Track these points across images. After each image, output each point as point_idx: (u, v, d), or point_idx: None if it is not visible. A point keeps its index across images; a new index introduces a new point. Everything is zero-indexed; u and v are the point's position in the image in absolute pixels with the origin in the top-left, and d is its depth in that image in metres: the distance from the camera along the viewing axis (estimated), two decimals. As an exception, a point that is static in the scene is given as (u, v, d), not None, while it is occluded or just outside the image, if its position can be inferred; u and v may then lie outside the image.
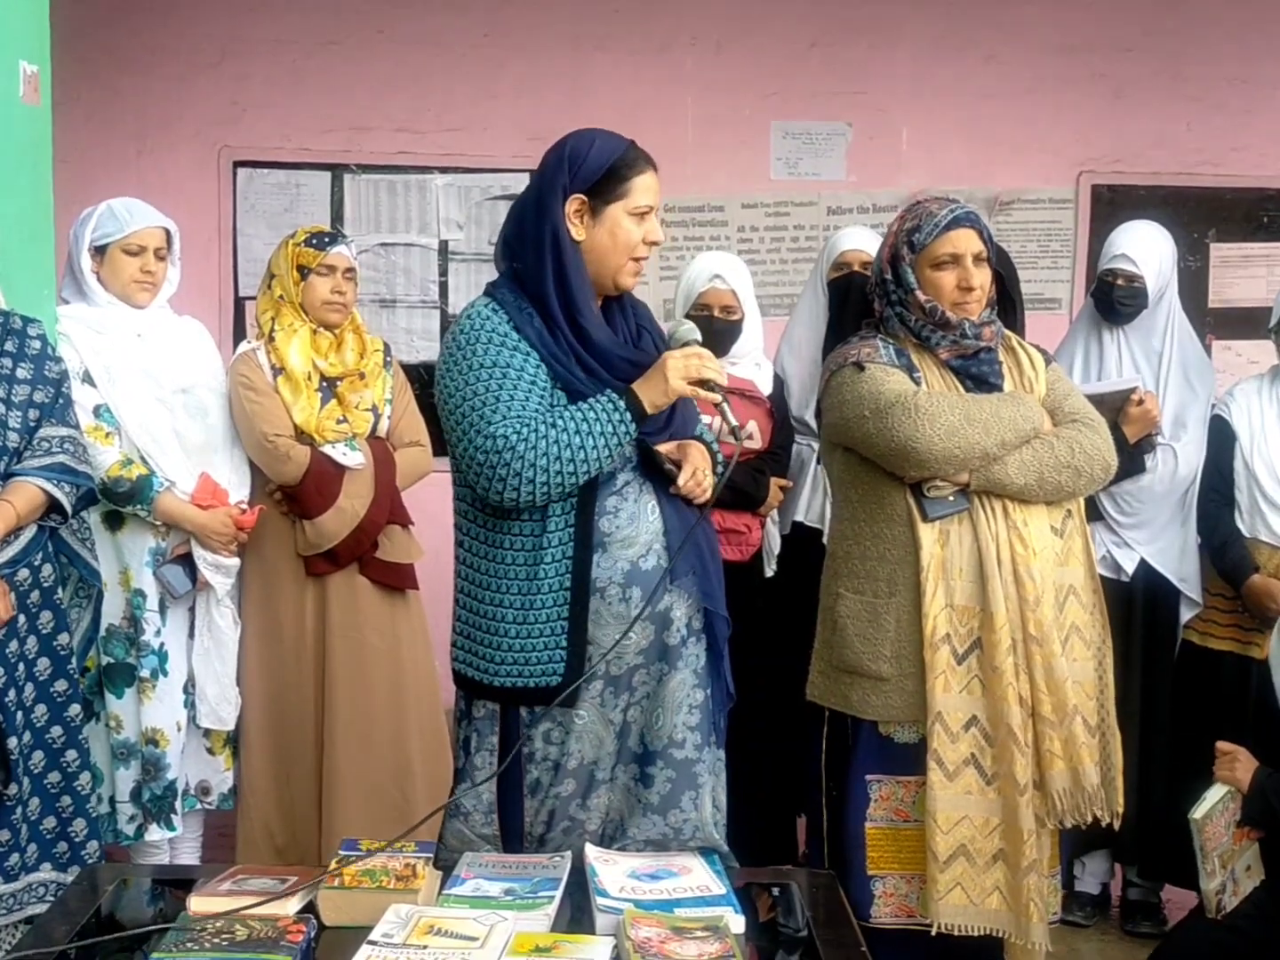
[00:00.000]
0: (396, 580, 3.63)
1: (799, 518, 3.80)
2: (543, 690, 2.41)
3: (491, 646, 2.45)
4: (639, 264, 2.47)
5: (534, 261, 2.44)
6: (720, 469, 2.55)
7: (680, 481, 2.42)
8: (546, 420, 2.37)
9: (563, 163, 2.43)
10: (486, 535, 2.47)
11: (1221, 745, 2.90)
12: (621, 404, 2.37)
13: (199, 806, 3.56)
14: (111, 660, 3.38)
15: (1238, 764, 2.85)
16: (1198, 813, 2.79)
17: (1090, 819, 2.75)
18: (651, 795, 2.45)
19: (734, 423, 2.41)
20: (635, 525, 2.43)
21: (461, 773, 2.54)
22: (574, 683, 2.40)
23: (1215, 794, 2.83)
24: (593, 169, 2.42)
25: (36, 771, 2.86)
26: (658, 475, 2.45)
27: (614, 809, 2.50)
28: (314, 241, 3.58)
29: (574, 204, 2.42)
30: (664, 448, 2.46)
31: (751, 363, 3.70)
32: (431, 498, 3.68)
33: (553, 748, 2.45)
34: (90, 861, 2.90)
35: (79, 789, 2.94)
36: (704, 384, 2.39)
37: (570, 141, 2.46)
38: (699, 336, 2.48)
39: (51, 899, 2.82)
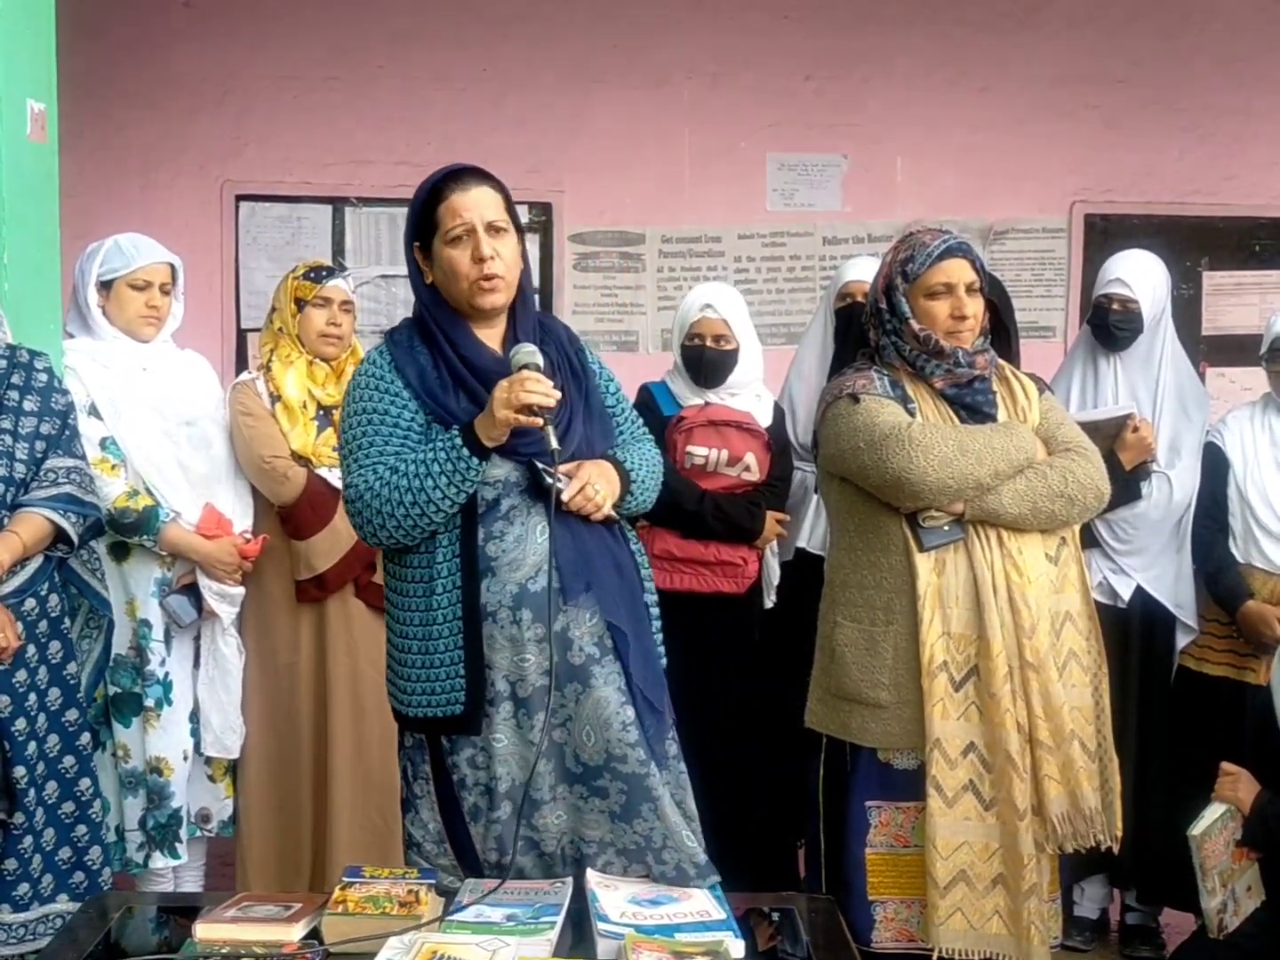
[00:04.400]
0: None
1: (801, 544, 3.81)
2: (450, 719, 2.45)
3: (405, 678, 2.50)
4: (489, 282, 2.46)
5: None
6: (635, 489, 2.55)
7: (565, 496, 2.42)
8: (392, 466, 2.43)
9: (408, 217, 2.56)
10: (392, 568, 2.54)
11: (1226, 765, 2.92)
12: (458, 441, 2.40)
13: (199, 834, 3.57)
14: (118, 690, 3.40)
15: (1240, 785, 2.87)
16: (1196, 830, 2.80)
17: (1091, 843, 2.76)
18: (611, 804, 2.44)
19: (555, 445, 2.37)
20: (522, 547, 2.43)
21: (406, 803, 2.57)
22: (477, 708, 2.43)
23: (1213, 812, 2.84)
24: (413, 215, 2.53)
25: (50, 802, 2.86)
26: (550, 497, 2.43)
27: (566, 829, 2.48)
28: (311, 275, 3.63)
29: (417, 253, 2.53)
30: (565, 468, 2.45)
31: (752, 394, 3.71)
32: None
33: (480, 772, 2.46)
34: (105, 889, 2.91)
35: (93, 817, 2.95)
36: (530, 409, 2.36)
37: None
38: (538, 360, 2.42)
39: (67, 930, 2.83)
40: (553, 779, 2.46)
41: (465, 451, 2.39)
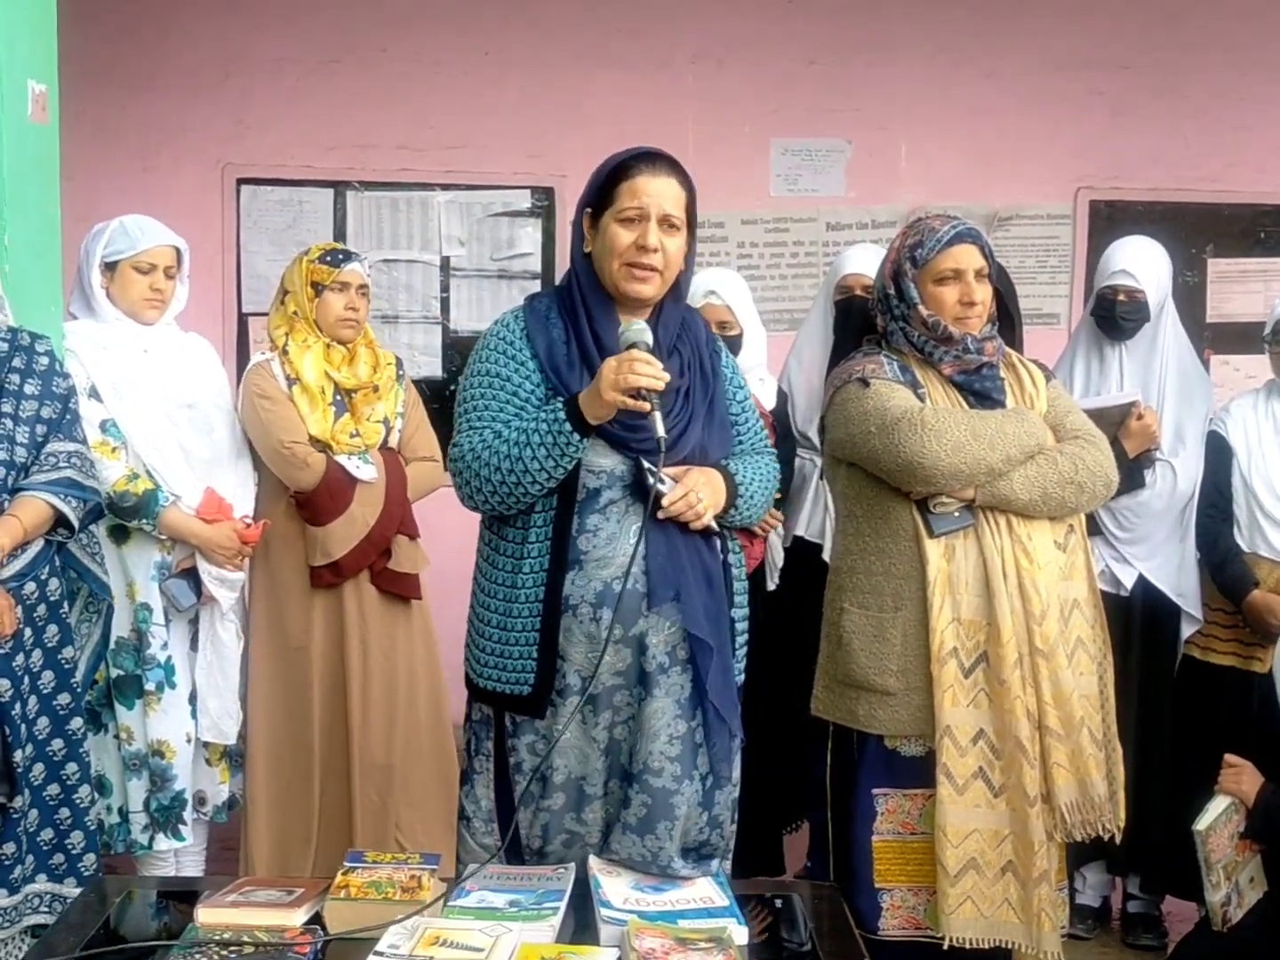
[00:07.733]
0: (403, 589, 3.65)
1: (799, 532, 3.81)
2: (516, 698, 2.45)
3: (480, 649, 2.51)
4: (641, 270, 2.42)
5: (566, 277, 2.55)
6: (741, 503, 2.49)
7: (666, 501, 2.37)
8: (497, 431, 2.41)
9: (588, 183, 2.51)
10: (489, 538, 2.54)
11: (1230, 758, 2.90)
12: (561, 414, 2.36)
13: (196, 816, 3.57)
14: (121, 672, 3.39)
15: (1244, 777, 2.85)
16: (1201, 824, 2.79)
17: (1099, 832, 2.75)
18: (629, 817, 2.44)
19: (661, 434, 2.29)
20: (613, 545, 2.41)
21: (464, 775, 2.58)
22: (543, 695, 2.42)
23: (1218, 805, 2.83)
24: (595, 182, 2.49)
25: (36, 783, 2.87)
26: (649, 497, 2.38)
27: (611, 822, 2.50)
28: (328, 258, 3.61)
29: (586, 219, 2.49)
30: (671, 472, 2.40)
31: (755, 378, 3.71)
32: (436, 512, 3.70)
33: (538, 760, 2.46)
34: (87, 874, 2.91)
35: (78, 802, 2.94)
36: (638, 392, 2.30)
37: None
38: (647, 339, 2.35)
39: (46, 910, 2.83)
40: (606, 774, 2.46)
41: (567, 426, 2.35)
